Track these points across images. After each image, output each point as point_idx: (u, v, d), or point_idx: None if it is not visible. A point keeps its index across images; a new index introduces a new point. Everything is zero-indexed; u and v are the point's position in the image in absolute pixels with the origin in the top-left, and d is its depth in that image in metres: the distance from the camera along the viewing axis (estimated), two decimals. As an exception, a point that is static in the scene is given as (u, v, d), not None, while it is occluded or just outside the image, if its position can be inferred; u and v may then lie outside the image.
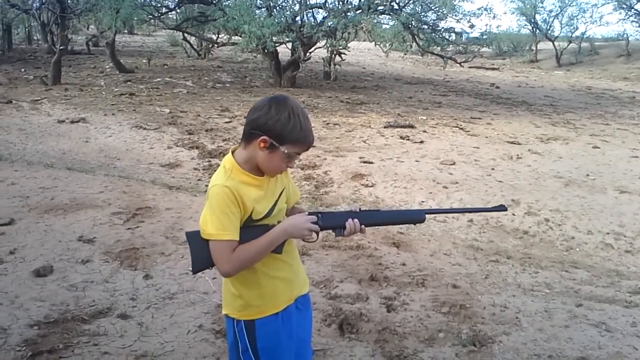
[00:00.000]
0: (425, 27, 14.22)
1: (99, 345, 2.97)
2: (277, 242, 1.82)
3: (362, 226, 1.92)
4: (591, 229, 5.14)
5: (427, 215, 2.09)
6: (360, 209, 1.98)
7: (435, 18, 14.38)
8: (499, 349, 3.15)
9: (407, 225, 5.07)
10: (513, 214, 5.43)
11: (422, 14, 14.09)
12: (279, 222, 1.90)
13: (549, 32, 29.96)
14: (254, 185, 1.83)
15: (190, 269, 1.89)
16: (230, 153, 1.87)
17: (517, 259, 4.49)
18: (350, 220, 1.91)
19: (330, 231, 1.95)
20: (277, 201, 1.91)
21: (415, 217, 2.08)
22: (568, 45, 28.44)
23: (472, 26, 14.01)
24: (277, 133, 1.76)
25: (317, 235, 1.90)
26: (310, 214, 1.92)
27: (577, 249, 4.80)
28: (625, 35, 28.34)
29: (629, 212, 5.54)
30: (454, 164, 7.16)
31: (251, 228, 1.82)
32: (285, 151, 1.78)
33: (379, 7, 12.98)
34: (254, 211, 1.81)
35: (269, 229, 1.83)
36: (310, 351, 2.13)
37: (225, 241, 1.75)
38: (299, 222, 1.85)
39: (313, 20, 13.52)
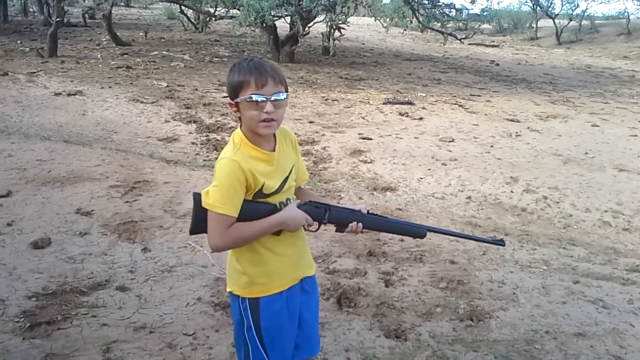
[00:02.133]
0: (426, 2, 14.06)
1: (97, 317, 2.98)
2: (272, 230, 1.84)
3: (363, 229, 1.97)
4: (589, 207, 5.14)
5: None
6: (368, 211, 2.00)
7: (436, -7, 14.22)
8: (496, 324, 3.17)
9: (405, 203, 5.09)
10: (511, 191, 5.43)
11: (423, -12, 13.93)
12: (287, 199, 1.91)
13: (550, 9, 29.69)
14: (263, 160, 1.83)
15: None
16: (239, 128, 1.87)
17: (515, 236, 4.50)
18: (354, 223, 1.94)
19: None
20: (287, 177, 1.90)
21: (416, 231, 2.10)
22: (568, 23, 28.18)
23: (472, 2, 13.92)
24: (230, 90, 1.80)
25: (319, 227, 1.95)
26: (319, 205, 1.94)
27: (575, 227, 4.81)
28: (626, 14, 28.16)
29: (627, 191, 5.55)
30: (452, 141, 7.14)
31: (257, 204, 1.83)
32: (245, 100, 1.76)
33: (379, -18, 12.82)
34: (265, 186, 1.81)
35: (275, 211, 1.84)
36: (316, 336, 2.12)
37: (221, 215, 1.75)
38: (297, 216, 1.86)
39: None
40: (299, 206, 1.90)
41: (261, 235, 1.83)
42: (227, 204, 1.75)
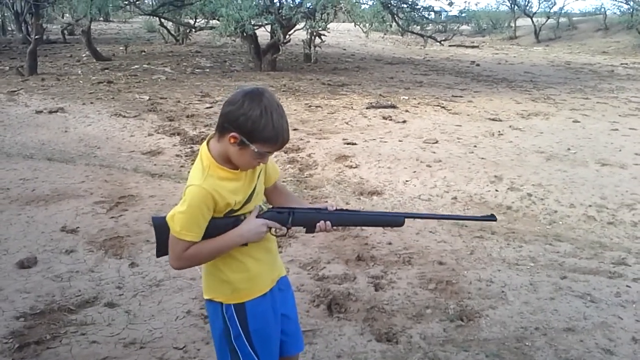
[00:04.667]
0: (405, 5, 14.17)
1: (86, 335, 2.96)
2: (233, 246, 1.82)
3: (332, 227, 1.92)
4: (573, 202, 5.19)
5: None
6: (336, 207, 1.97)
7: (414, -3, 14.35)
8: (486, 323, 3.19)
9: (392, 206, 5.11)
10: (496, 190, 5.46)
11: (401, -8, 14.03)
12: (257, 206, 1.90)
13: (527, 8, 30.02)
14: (231, 179, 1.80)
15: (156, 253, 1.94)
16: (205, 144, 1.82)
17: (501, 234, 4.53)
18: (322, 222, 1.91)
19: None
20: (255, 186, 1.89)
21: (392, 220, 2.04)
22: (546, 20, 28.49)
23: (451, 4, 14.06)
24: (248, 131, 1.70)
25: (287, 232, 1.91)
26: (282, 210, 1.92)
27: (560, 222, 4.85)
28: (602, 9, 28.54)
29: (610, 185, 5.61)
30: (436, 142, 7.18)
31: (222, 219, 1.81)
32: (256, 150, 1.72)
33: (358, -13, 12.89)
34: (235, 203, 1.80)
35: (239, 223, 1.82)
36: (299, 332, 2.14)
37: (185, 241, 1.74)
38: (254, 226, 1.83)
39: (291, 2, 13.37)
40: (261, 215, 1.88)
41: (221, 253, 1.82)
42: (194, 231, 1.73)
